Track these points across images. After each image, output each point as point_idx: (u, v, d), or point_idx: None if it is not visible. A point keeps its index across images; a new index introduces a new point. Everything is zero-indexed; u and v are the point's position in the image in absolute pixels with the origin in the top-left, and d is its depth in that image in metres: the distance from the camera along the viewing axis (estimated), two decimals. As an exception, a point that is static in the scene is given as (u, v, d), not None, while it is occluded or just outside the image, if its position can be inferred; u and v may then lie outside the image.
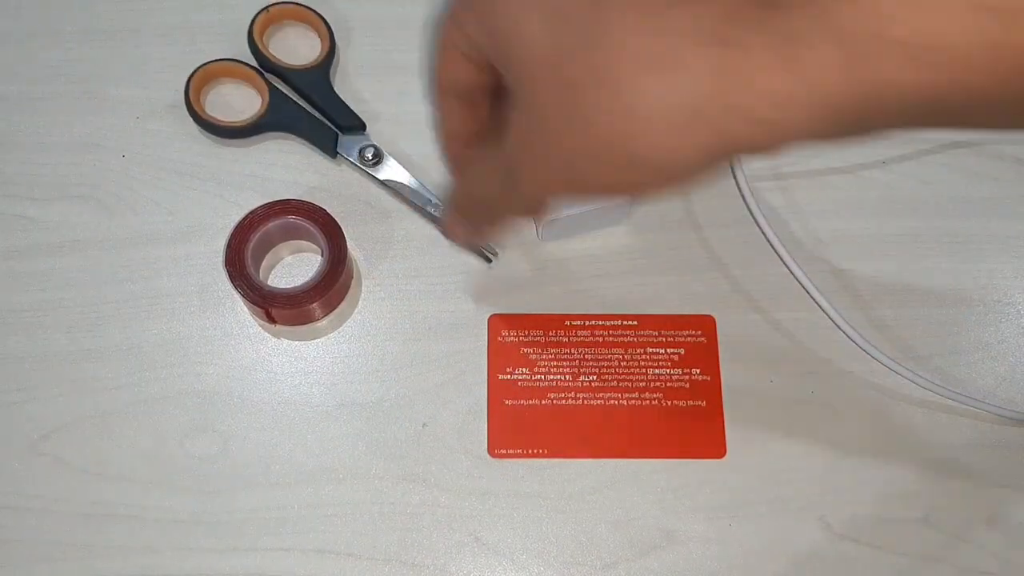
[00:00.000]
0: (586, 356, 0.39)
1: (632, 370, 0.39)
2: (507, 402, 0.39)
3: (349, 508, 0.37)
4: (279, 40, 0.45)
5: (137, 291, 0.40)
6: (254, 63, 0.43)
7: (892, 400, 0.39)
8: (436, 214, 0.41)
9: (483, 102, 0.31)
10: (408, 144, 0.43)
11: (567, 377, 0.39)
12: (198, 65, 0.42)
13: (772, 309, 0.41)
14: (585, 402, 0.39)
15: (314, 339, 0.40)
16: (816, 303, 0.38)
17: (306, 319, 0.39)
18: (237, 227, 0.39)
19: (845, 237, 0.42)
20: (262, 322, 0.40)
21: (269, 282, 0.40)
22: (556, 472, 0.38)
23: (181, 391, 0.39)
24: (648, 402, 0.39)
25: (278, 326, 0.40)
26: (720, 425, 0.39)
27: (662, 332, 0.40)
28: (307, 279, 0.39)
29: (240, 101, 0.43)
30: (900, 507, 0.38)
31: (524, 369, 0.39)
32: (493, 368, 0.39)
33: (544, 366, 0.39)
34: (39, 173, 0.42)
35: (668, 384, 0.39)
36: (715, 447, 0.38)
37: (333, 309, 0.40)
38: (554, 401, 0.39)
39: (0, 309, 0.40)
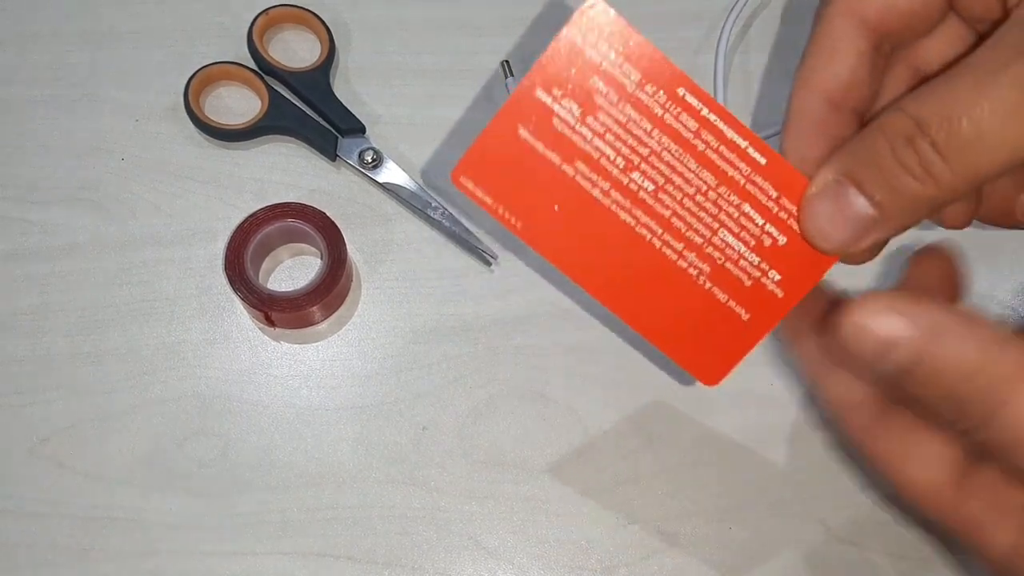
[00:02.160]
0: (664, 152, 0.26)
1: (702, 213, 0.27)
2: (521, 131, 0.26)
3: (349, 511, 0.37)
4: (279, 43, 0.45)
5: (136, 294, 0.40)
6: (254, 66, 0.43)
7: (892, 403, 0.39)
8: (436, 217, 0.41)
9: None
10: (408, 147, 0.43)
11: (619, 161, 0.26)
12: (197, 68, 0.42)
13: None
14: (614, 207, 0.27)
15: (314, 342, 0.40)
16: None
17: (306, 322, 0.39)
18: (237, 230, 0.39)
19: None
20: (262, 325, 0.40)
21: (269, 285, 0.40)
22: (556, 474, 0.38)
23: (181, 394, 0.39)
24: (684, 264, 0.27)
25: (278, 329, 0.40)
26: (740, 350, 0.28)
27: (783, 197, 0.27)
28: (307, 282, 0.39)
29: (240, 104, 0.43)
30: (900, 509, 0.38)
31: (575, 107, 0.26)
32: (539, 72, 0.26)
33: (603, 124, 0.26)
34: (38, 176, 0.42)
35: (728, 264, 0.28)
36: (712, 368, 0.28)
37: (333, 312, 0.40)
38: (577, 175, 0.26)
39: (-1, 312, 0.40)
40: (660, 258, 0.27)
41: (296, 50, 0.44)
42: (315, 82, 0.43)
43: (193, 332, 0.40)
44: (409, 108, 0.44)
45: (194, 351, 0.39)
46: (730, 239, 0.27)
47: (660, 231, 0.27)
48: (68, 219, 0.41)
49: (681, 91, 0.26)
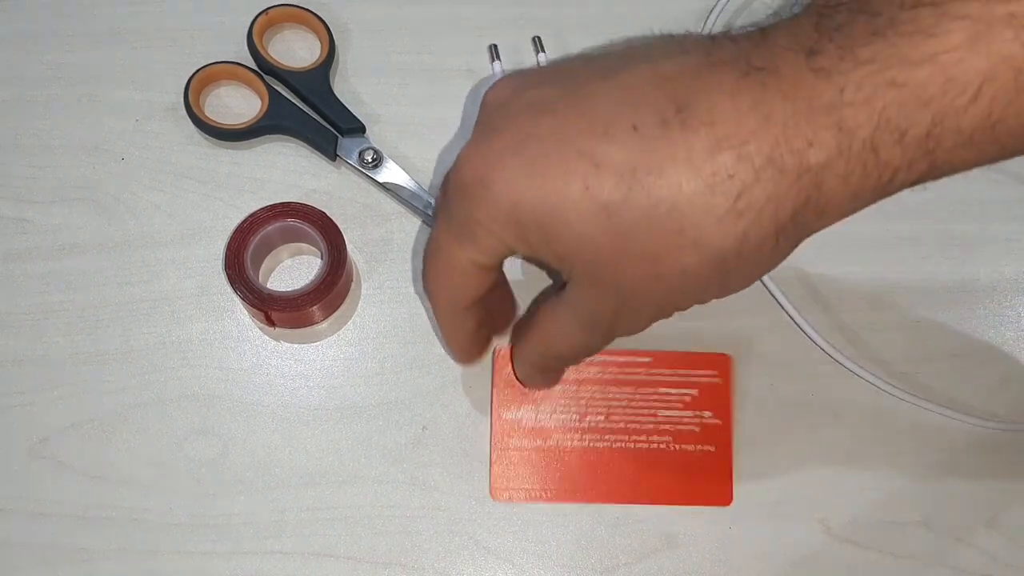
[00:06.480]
0: (595, 395, 0.38)
1: (641, 411, 0.38)
2: (511, 442, 0.38)
3: (349, 511, 0.37)
4: (279, 42, 0.45)
5: (137, 294, 0.40)
6: (254, 65, 0.43)
7: (891, 403, 0.39)
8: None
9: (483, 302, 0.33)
10: (407, 146, 0.43)
11: (574, 417, 0.38)
12: (198, 67, 0.42)
13: (773, 314, 0.41)
14: (591, 444, 0.38)
15: (314, 342, 0.40)
16: (804, 332, 0.40)
17: (306, 322, 0.39)
18: (237, 230, 0.39)
19: (843, 240, 0.42)
20: (262, 325, 0.40)
21: (269, 285, 0.40)
22: (556, 475, 0.38)
23: (181, 394, 0.39)
24: (656, 445, 0.38)
25: (278, 329, 0.40)
26: (728, 472, 0.38)
27: (677, 371, 0.38)
28: (307, 282, 0.39)
29: (240, 103, 0.43)
30: (900, 510, 0.38)
31: (529, 408, 0.38)
32: (498, 405, 0.38)
33: (551, 404, 0.38)
34: (39, 176, 0.42)
35: (679, 427, 0.38)
36: (721, 494, 0.38)
37: (333, 312, 0.40)
38: (559, 443, 0.38)
39: (-1, 312, 0.40)
40: (643, 453, 0.38)
41: (296, 50, 0.44)
42: (315, 82, 0.43)
43: (193, 332, 0.40)
44: (409, 108, 0.44)
45: (194, 351, 0.39)
46: (669, 413, 0.38)
47: (628, 437, 0.38)
48: (68, 219, 0.41)
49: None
